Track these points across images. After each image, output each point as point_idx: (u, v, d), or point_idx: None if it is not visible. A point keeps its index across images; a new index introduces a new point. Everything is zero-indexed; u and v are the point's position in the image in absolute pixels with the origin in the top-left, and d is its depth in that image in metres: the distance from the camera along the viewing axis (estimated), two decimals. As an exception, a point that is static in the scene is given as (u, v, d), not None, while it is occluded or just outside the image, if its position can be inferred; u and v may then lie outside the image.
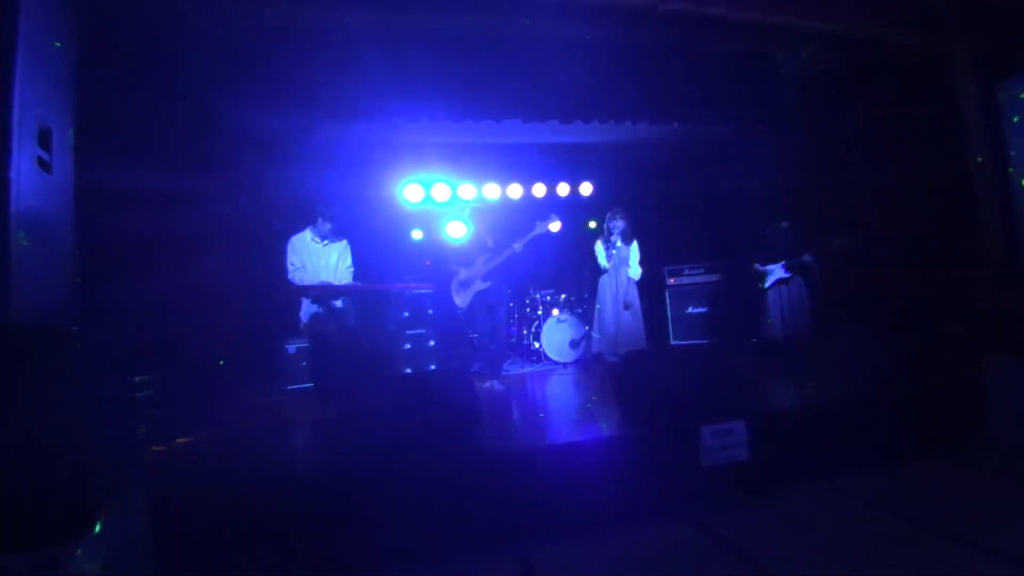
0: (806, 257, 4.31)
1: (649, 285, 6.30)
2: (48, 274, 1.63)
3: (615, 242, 4.64)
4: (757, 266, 4.67)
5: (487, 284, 4.23)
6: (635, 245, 4.69)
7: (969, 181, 3.56)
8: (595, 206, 6.65)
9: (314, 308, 3.47)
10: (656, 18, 3.12)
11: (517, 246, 4.18)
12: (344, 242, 3.76)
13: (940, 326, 3.72)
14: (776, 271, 4.51)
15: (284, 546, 2.00)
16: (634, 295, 4.66)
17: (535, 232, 4.28)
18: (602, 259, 4.65)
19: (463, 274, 4.31)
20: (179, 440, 3.08)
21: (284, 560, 1.99)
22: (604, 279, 4.72)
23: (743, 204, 6.20)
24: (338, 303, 3.53)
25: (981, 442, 3.03)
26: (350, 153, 5.96)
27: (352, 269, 3.79)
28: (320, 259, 3.61)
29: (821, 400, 2.98)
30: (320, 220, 3.59)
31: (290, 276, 3.54)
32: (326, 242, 3.64)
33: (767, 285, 4.60)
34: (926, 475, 2.67)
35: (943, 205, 3.92)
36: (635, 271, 4.68)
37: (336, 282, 3.63)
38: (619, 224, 4.63)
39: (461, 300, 4.35)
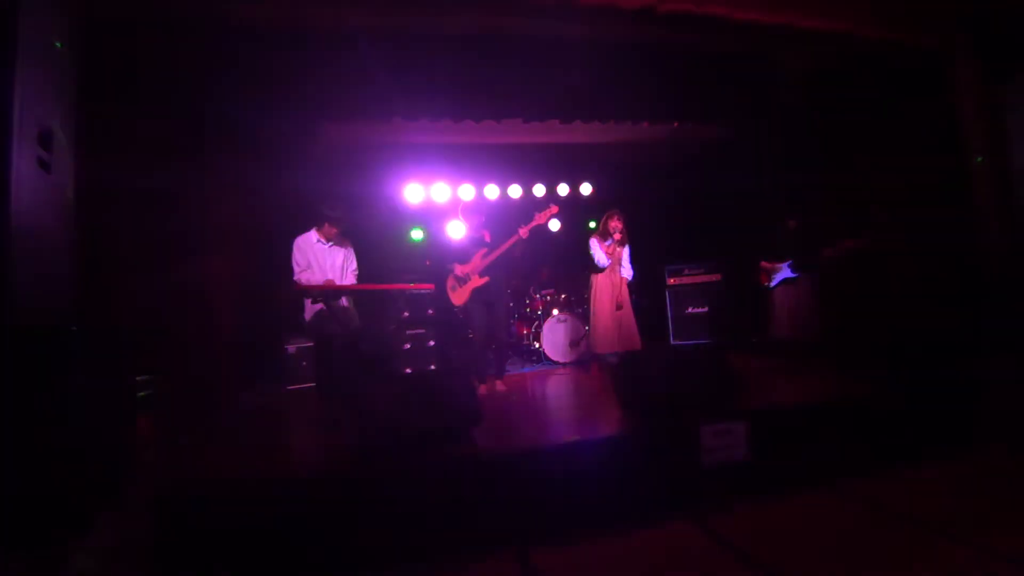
0: (825, 252, 4.29)
1: (649, 285, 6.31)
2: (48, 274, 1.63)
3: (614, 242, 4.65)
4: (765, 263, 4.67)
5: (485, 280, 4.19)
6: (627, 246, 4.73)
7: (969, 181, 3.56)
8: (595, 206, 6.66)
9: (317, 307, 3.48)
10: (656, 18, 3.12)
11: (524, 232, 4.14)
12: (349, 245, 3.79)
13: (940, 326, 3.72)
14: (783, 270, 4.51)
15: (284, 546, 2.00)
16: (626, 295, 4.68)
17: (536, 222, 4.25)
18: (602, 258, 4.66)
19: (459, 271, 4.27)
20: (179, 440, 3.08)
21: (284, 560, 1.99)
22: (601, 279, 4.72)
23: (743, 204, 6.21)
24: (342, 302, 3.53)
25: (981, 442, 3.03)
26: (350, 153, 5.96)
27: (357, 271, 3.81)
28: (326, 260, 3.63)
29: (821, 400, 2.98)
30: (328, 223, 3.59)
31: (296, 276, 3.55)
32: (331, 244, 3.65)
33: (772, 284, 4.59)
34: (927, 475, 2.67)
35: (943, 205, 3.92)
36: (630, 271, 4.71)
37: (342, 283, 3.64)
38: (619, 225, 4.65)
39: (458, 297, 4.29)
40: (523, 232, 4.13)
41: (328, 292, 3.38)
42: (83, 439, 1.36)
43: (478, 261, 4.21)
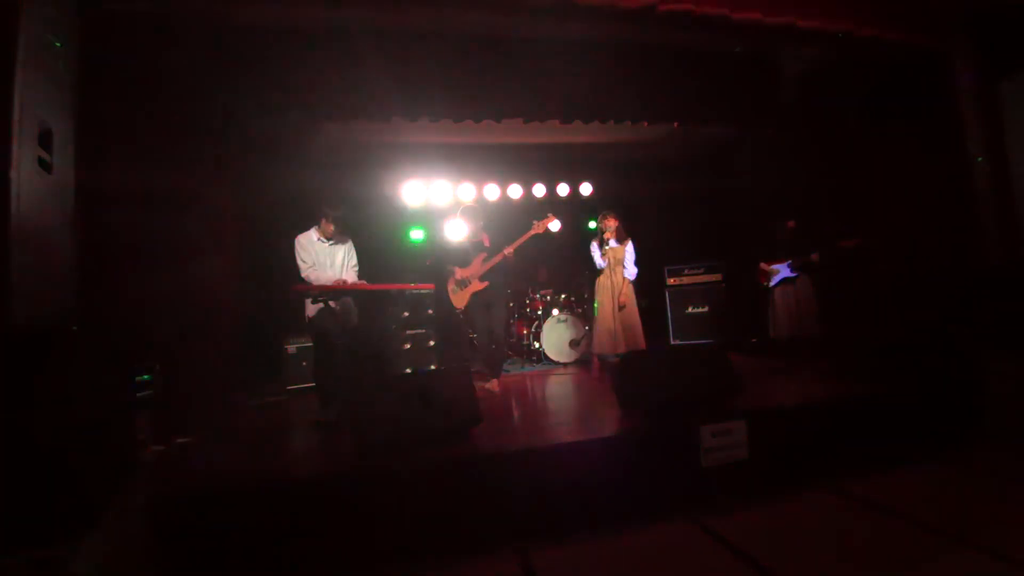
0: (813, 256, 4.31)
1: (649, 285, 6.30)
2: (48, 274, 1.63)
3: (608, 243, 4.66)
4: (764, 264, 4.67)
5: (485, 284, 4.20)
6: (630, 245, 4.71)
7: (969, 181, 3.57)
8: (595, 206, 6.67)
9: (320, 304, 3.49)
10: (656, 18, 3.12)
11: (509, 252, 4.16)
12: (349, 242, 3.80)
13: (940, 326, 3.73)
14: (782, 271, 4.51)
15: (283, 546, 2.00)
16: (630, 295, 4.67)
17: (531, 233, 4.26)
18: (598, 260, 4.69)
19: (459, 274, 4.29)
20: (179, 440, 3.08)
21: (283, 560, 1.99)
22: (600, 280, 4.75)
23: (743, 204, 6.22)
24: (345, 300, 3.55)
25: (981, 442, 3.03)
26: (350, 153, 5.96)
27: (357, 268, 3.82)
28: (326, 258, 3.66)
29: (821, 400, 2.98)
30: (324, 220, 3.62)
31: (303, 273, 3.57)
32: (331, 242, 3.67)
33: (772, 284, 4.60)
34: (926, 475, 2.67)
35: (943, 205, 3.92)
36: (630, 271, 4.69)
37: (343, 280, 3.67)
38: (610, 224, 4.66)
39: (458, 300, 4.32)
40: (508, 251, 4.15)
41: (329, 291, 3.39)
42: (83, 439, 1.36)
43: (478, 266, 4.23)
